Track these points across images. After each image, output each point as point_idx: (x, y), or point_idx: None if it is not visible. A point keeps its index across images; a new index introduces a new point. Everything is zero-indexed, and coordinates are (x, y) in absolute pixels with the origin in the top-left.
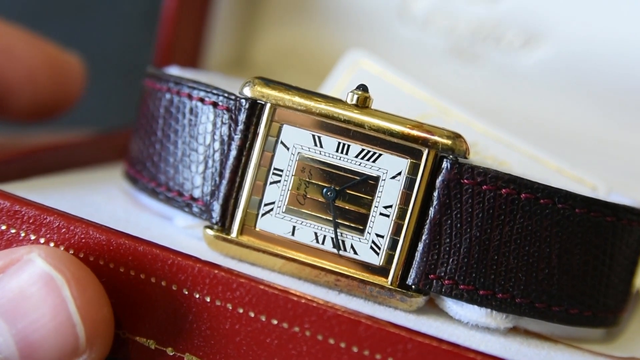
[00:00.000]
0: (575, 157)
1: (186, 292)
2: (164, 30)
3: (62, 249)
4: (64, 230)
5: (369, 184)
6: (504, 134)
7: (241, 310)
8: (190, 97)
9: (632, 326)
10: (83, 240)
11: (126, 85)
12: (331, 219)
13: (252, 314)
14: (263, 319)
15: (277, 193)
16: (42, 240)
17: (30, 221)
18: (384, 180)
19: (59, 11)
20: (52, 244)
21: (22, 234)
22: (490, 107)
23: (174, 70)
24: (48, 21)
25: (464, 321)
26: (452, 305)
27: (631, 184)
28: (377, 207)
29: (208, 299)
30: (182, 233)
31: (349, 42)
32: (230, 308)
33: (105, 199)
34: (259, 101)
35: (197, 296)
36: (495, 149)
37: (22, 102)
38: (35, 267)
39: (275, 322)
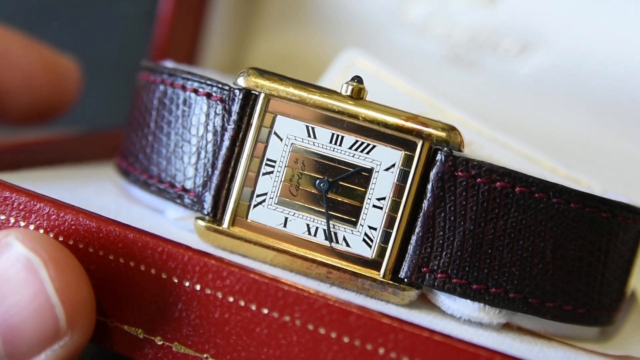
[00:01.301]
0: (570, 164)
1: (176, 281)
2: (160, 33)
3: (51, 235)
4: (54, 216)
5: (363, 175)
6: (499, 134)
7: (231, 299)
8: (184, 88)
9: (627, 326)
10: (73, 227)
11: (125, 85)
12: (324, 210)
13: (242, 303)
14: (253, 308)
15: (269, 184)
16: (31, 227)
17: (20, 207)
18: (378, 172)
19: (58, 12)
20: (41, 231)
21: (12, 220)
22: (485, 114)
23: (168, 64)
24: (48, 22)
25: (456, 316)
26: (445, 300)
27: (625, 192)
28: (370, 199)
29: (198, 288)
30: (174, 225)
31: (345, 48)
32: (220, 297)
33: (96, 192)
34: (252, 91)
35: (187, 284)
36: (490, 149)
37: (18, 106)
38: (13, 251)
39: (265, 311)
